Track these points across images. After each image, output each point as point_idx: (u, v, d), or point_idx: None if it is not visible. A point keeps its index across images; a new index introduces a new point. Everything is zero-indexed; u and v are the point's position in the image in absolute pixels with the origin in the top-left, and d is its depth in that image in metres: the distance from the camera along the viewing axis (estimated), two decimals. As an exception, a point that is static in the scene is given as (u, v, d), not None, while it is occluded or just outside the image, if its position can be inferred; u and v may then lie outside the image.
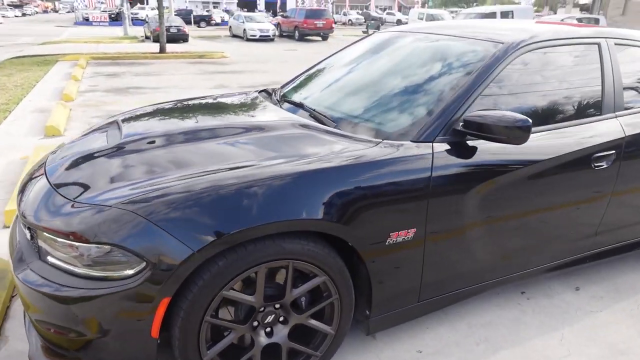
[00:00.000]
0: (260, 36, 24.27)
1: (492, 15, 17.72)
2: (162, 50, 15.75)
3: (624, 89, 2.53)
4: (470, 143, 2.05)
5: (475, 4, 48.11)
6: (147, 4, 46.68)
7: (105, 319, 1.61)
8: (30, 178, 2.08)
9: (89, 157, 2.06)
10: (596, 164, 2.34)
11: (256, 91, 3.12)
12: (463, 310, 2.52)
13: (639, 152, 2.50)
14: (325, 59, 3.26)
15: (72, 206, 1.71)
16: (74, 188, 1.82)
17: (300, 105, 2.53)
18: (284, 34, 26.83)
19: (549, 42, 2.34)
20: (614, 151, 2.39)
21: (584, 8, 58.54)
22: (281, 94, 2.92)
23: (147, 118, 2.53)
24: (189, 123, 2.35)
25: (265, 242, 1.70)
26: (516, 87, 2.24)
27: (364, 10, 51.29)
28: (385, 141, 1.99)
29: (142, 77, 10.88)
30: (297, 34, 25.12)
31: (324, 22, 24.39)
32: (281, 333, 1.88)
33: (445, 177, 1.96)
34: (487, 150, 2.06)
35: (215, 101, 2.89)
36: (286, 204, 1.70)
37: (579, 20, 15.11)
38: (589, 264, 2.68)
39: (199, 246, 1.58)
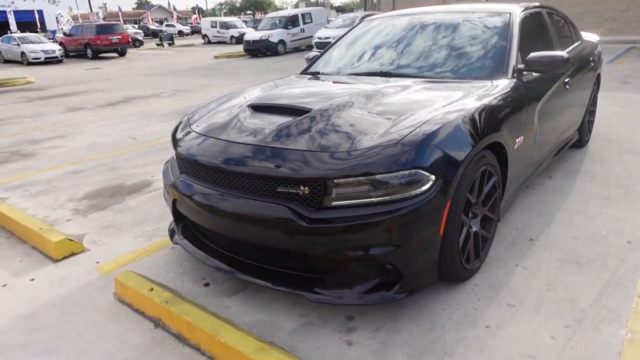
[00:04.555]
0: (46, 58, 21.57)
1: (295, 17, 19.66)
2: (-59, 84, 12.92)
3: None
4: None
5: (266, 11, 51.49)
6: None
7: (410, 230, 2.05)
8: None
9: (292, 125, 2.35)
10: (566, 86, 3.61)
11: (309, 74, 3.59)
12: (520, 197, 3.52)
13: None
14: (339, 41, 3.89)
15: (355, 152, 2.07)
16: (335, 141, 2.16)
17: (387, 74, 3.16)
18: (70, 54, 24.25)
19: (530, 11, 3.49)
20: (569, 78, 3.69)
21: (338, 9, 67.52)
22: (340, 71, 3.48)
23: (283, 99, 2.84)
24: (343, 91, 2.82)
25: (479, 154, 2.35)
26: (525, 40, 3.30)
27: (141, 24, 49.16)
28: (496, 80, 2.81)
29: (-42, 114, 9.01)
30: (89, 52, 23.04)
31: (120, 36, 22.96)
32: (476, 223, 2.54)
33: (528, 100, 2.89)
34: (531, 79, 3.06)
35: (307, 83, 3.29)
36: (487, 124, 2.40)
37: (368, 16, 18.07)
38: (554, 157, 3.97)
39: (465, 155, 2.17)
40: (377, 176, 2.01)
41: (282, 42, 19.10)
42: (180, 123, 2.96)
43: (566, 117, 3.80)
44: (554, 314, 2.23)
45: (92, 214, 3.78)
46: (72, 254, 3.10)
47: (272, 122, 2.45)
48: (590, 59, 4.41)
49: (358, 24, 4.07)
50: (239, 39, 27.69)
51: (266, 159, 2.19)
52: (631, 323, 2.13)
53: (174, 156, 2.89)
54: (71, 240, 3.12)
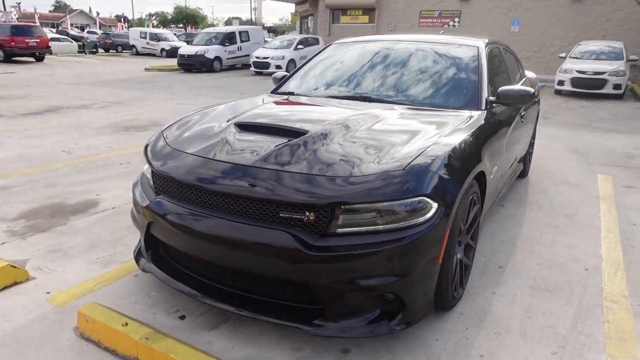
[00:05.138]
0: (-52, 58, 19.42)
1: (232, 34, 19.44)
2: None
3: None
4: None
5: (199, 25, 50.94)
6: None
7: (415, 257, 2.03)
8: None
9: (291, 147, 2.26)
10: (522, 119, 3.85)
11: (280, 94, 3.51)
12: (472, 230, 3.65)
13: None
14: (309, 63, 3.87)
15: (364, 177, 2.02)
16: (342, 166, 2.10)
17: (367, 98, 3.17)
18: (-23, 54, 22.04)
19: (492, 46, 3.70)
20: (524, 112, 3.94)
21: (270, 30, 68.13)
22: (316, 93, 3.45)
23: (270, 119, 2.74)
24: (332, 114, 2.82)
25: (470, 183, 2.41)
26: (490, 73, 3.48)
27: (59, 28, 46.06)
28: (472, 111, 2.92)
29: None
30: (1, 54, 21.08)
31: (38, 40, 21.26)
32: (460, 251, 2.58)
33: (500, 129, 3.04)
34: (499, 111, 3.23)
35: (288, 104, 3.22)
36: (475, 154, 2.48)
37: (305, 39, 18.37)
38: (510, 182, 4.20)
39: (462, 184, 2.21)
40: (385, 203, 1.98)
41: (218, 58, 18.74)
42: (152, 139, 2.75)
43: (519, 149, 4.05)
44: (539, 341, 2.31)
45: (32, 236, 3.37)
46: (15, 283, 2.73)
47: (267, 142, 2.34)
48: (536, 94, 4.77)
49: (316, 50, 4.07)
50: (170, 52, 26.82)
51: (268, 181, 2.08)
52: (609, 348, 2.26)
53: (144, 174, 2.67)
54: (14, 266, 2.75)
